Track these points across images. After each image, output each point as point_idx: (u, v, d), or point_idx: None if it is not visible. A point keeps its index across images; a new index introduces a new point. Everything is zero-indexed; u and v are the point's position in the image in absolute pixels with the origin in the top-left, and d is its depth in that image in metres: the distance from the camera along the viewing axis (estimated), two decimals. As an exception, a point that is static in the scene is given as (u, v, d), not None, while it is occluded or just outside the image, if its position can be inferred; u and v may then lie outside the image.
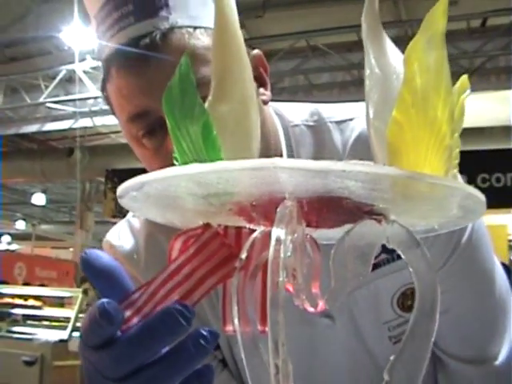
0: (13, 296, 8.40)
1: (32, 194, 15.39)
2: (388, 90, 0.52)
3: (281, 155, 1.04)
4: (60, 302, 8.82)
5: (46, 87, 9.29)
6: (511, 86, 7.09)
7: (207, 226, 0.56)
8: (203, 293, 0.55)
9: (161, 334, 0.51)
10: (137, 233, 1.13)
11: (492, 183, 8.76)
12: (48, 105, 9.49)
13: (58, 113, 9.60)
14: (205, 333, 0.52)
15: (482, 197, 0.47)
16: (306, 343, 1.06)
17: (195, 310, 0.53)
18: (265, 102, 1.04)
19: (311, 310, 0.50)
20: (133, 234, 1.14)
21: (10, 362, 6.84)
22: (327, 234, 0.54)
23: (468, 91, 0.55)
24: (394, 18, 7.56)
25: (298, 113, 1.11)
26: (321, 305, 0.50)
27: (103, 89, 1.01)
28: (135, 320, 0.53)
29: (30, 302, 8.35)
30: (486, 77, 7.64)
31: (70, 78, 9.07)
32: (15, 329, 7.49)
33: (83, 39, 7.89)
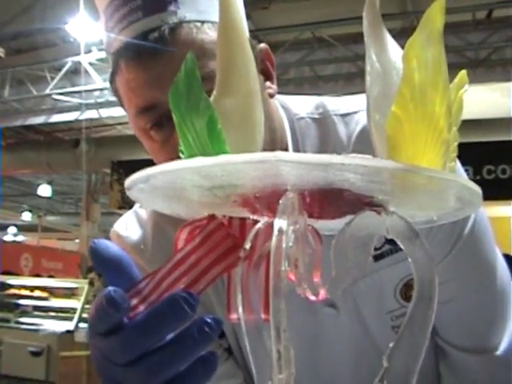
0: (19, 287, 8.43)
1: (38, 185, 15.41)
2: (388, 85, 0.53)
3: (286, 147, 1.06)
4: (67, 293, 8.84)
5: (52, 79, 9.29)
6: (517, 77, 7.09)
7: (212, 217, 0.58)
8: (208, 282, 0.57)
9: (166, 320, 0.53)
10: (144, 223, 1.15)
11: (497, 175, 8.73)
12: (54, 96, 9.49)
13: (64, 104, 9.59)
14: (209, 320, 0.53)
15: (477, 189, 0.48)
16: (311, 332, 1.08)
17: (201, 299, 0.54)
18: (271, 95, 1.05)
19: (313, 298, 0.51)
20: (140, 224, 1.15)
21: (16, 352, 6.89)
22: (329, 225, 0.55)
23: (466, 86, 0.56)
24: (400, 9, 7.54)
25: (303, 106, 1.12)
26: (322, 293, 0.52)
27: (112, 82, 1.02)
28: (141, 308, 0.55)
29: (37, 293, 8.37)
30: (492, 68, 7.62)
31: (76, 70, 9.06)
32: (22, 320, 7.52)
33: (89, 31, 7.88)
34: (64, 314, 7.54)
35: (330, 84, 8.27)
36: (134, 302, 0.55)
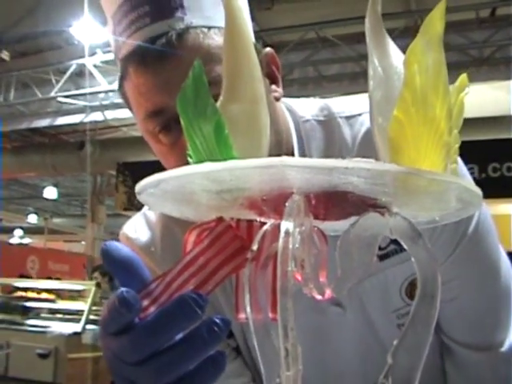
0: (26, 289, 8.44)
1: (43, 187, 15.43)
2: (390, 89, 0.55)
3: (292, 149, 1.07)
4: (74, 295, 8.84)
5: (57, 81, 9.30)
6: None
7: (220, 219, 0.59)
8: (217, 282, 0.58)
9: (176, 320, 0.54)
10: (153, 225, 1.16)
11: (503, 172, 8.72)
12: (59, 99, 9.50)
13: (69, 107, 9.60)
14: (218, 320, 0.55)
15: (477, 190, 0.50)
16: (318, 331, 1.09)
17: (210, 299, 0.56)
18: (277, 99, 1.07)
19: (319, 297, 0.53)
20: (149, 226, 1.17)
21: (24, 354, 6.88)
22: (334, 226, 0.56)
23: (467, 89, 0.57)
24: (404, 8, 7.55)
25: (308, 108, 1.13)
26: (328, 293, 0.53)
27: (120, 86, 1.03)
28: (152, 309, 0.57)
29: (44, 295, 8.38)
30: (496, 67, 7.62)
31: (81, 72, 9.08)
32: (29, 322, 7.53)
33: (93, 33, 7.90)
34: (71, 315, 7.54)
35: (334, 84, 8.27)
36: (145, 303, 0.57)
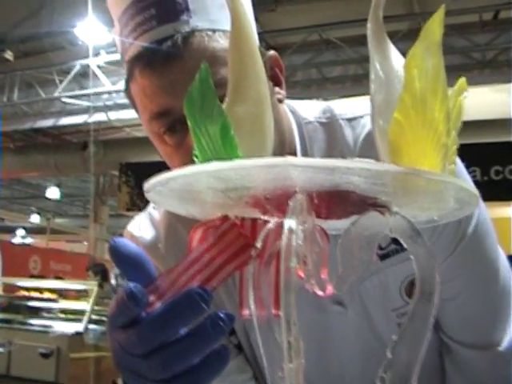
0: (28, 289, 8.45)
1: (46, 187, 15.45)
2: (391, 92, 0.56)
3: (295, 150, 1.08)
4: (77, 295, 8.84)
5: (61, 82, 9.31)
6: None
7: (225, 217, 0.61)
8: (221, 279, 0.60)
9: (182, 314, 0.56)
10: (157, 224, 1.18)
11: (505, 175, 8.71)
12: (62, 99, 9.52)
13: (73, 107, 9.62)
14: (222, 315, 0.56)
15: (473, 190, 0.51)
16: (320, 329, 1.11)
17: (214, 297, 0.58)
18: (280, 101, 1.08)
19: (320, 293, 0.54)
20: (153, 224, 1.18)
21: (26, 354, 6.89)
22: (336, 225, 0.58)
23: (465, 93, 0.59)
24: (407, 10, 7.56)
25: (311, 110, 1.15)
26: (329, 289, 0.55)
27: (126, 88, 1.05)
28: (158, 304, 0.58)
29: (46, 294, 8.39)
30: (499, 69, 7.63)
31: (85, 73, 9.09)
32: (31, 321, 7.54)
33: (97, 34, 7.91)
34: (73, 315, 7.55)
35: (337, 86, 8.28)
36: (151, 298, 0.58)
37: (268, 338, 0.58)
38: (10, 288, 8.61)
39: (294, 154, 1.07)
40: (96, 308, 7.18)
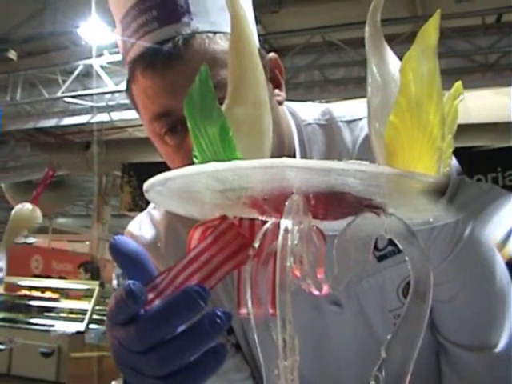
0: (30, 288, 8.45)
1: (49, 187, 15.43)
2: (387, 95, 0.57)
3: (294, 152, 1.09)
4: (78, 295, 8.85)
5: (64, 82, 9.30)
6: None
7: (224, 217, 0.62)
8: (220, 278, 0.61)
9: (180, 310, 0.57)
10: (157, 223, 1.19)
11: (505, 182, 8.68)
12: (65, 99, 9.49)
13: (76, 107, 9.59)
14: (219, 312, 0.57)
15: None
16: (317, 329, 1.12)
17: (212, 296, 0.59)
18: (280, 103, 1.09)
19: (316, 293, 0.55)
20: (153, 224, 1.20)
21: (27, 353, 6.90)
22: (332, 226, 0.59)
23: (461, 96, 0.60)
24: (410, 13, 7.56)
25: (310, 112, 1.16)
26: (325, 289, 0.56)
27: (128, 89, 1.06)
28: (157, 302, 0.59)
29: (48, 294, 8.40)
30: (501, 73, 7.62)
31: (88, 73, 9.08)
32: (33, 320, 7.54)
33: (100, 35, 7.92)
34: (75, 315, 7.56)
35: (339, 88, 8.27)
36: (150, 295, 0.59)
37: (264, 336, 0.59)
38: (11, 287, 8.61)
39: (293, 155, 1.08)
40: (97, 308, 7.19)
